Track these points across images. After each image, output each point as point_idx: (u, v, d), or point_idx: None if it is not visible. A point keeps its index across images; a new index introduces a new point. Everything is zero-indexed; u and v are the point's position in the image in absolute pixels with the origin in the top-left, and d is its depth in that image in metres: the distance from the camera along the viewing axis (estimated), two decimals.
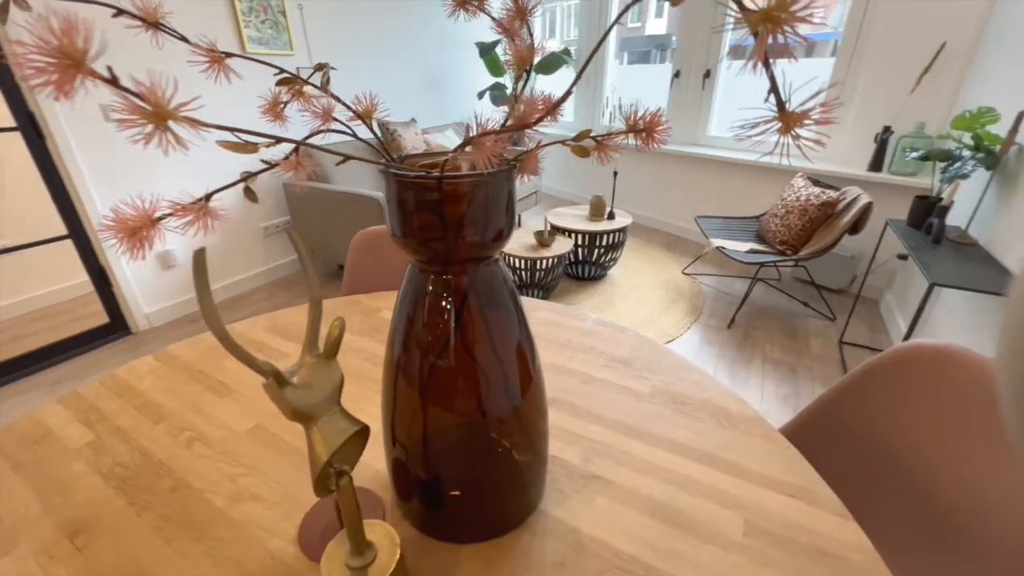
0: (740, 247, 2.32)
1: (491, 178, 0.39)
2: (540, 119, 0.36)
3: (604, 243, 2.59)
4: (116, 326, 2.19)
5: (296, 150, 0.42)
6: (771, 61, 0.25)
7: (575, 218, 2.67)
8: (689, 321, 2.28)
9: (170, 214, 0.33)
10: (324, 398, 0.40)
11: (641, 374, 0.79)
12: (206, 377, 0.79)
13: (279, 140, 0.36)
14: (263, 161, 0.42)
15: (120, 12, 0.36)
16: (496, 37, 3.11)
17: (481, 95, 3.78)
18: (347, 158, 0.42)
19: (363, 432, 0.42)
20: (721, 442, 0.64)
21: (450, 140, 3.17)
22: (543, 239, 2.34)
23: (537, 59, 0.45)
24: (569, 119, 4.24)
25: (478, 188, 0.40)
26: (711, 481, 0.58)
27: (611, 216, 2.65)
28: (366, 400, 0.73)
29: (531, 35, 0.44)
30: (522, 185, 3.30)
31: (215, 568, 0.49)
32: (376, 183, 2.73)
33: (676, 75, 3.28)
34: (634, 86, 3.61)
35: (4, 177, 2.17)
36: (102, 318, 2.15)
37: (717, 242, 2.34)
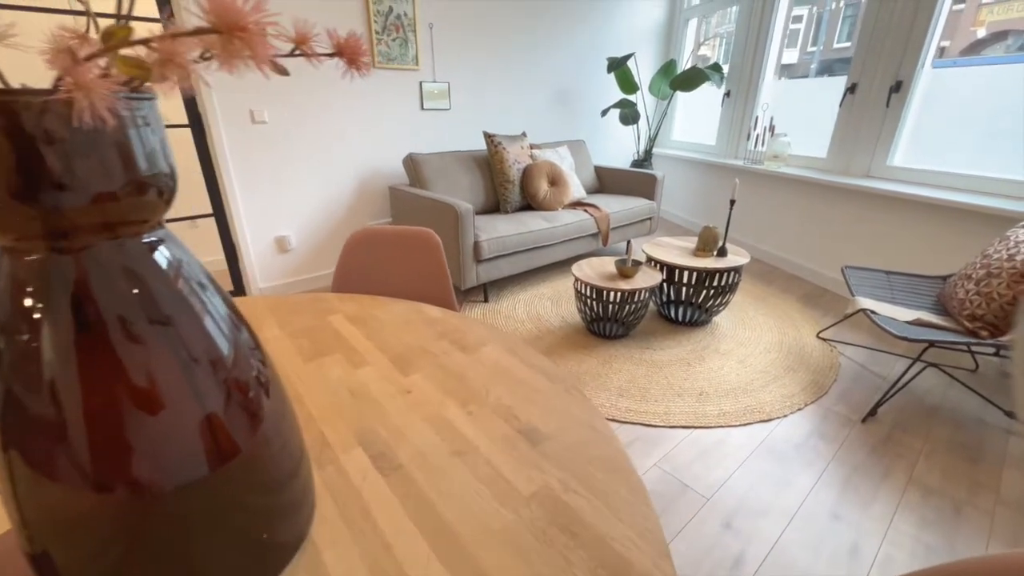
0: (900, 314, 1.67)
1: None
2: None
3: (705, 283, 2.14)
4: (236, 294, 2.58)
5: None
6: None
7: (679, 250, 2.28)
8: (804, 400, 1.72)
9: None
10: None
11: (543, 462, 0.53)
12: None
13: None
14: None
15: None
16: (628, 51, 2.90)
17: (604, 112, 3.57)
18: None
19: None
20: None
21: (560, 157, 3.04)
22: (624, 269, 2.03)
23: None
24: (711, 142, 3.74)
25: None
26: None
27: (722, 252, 2.19)
28: None
29: None
30: (634, 207, 2.99)
31: None
32: (472, 192, 2.74)
33: (850, 89, 2.62)
34: (794, 103, 3.02)
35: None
36: (228, 286, 2.56)
37: (865, 302, 1.73)
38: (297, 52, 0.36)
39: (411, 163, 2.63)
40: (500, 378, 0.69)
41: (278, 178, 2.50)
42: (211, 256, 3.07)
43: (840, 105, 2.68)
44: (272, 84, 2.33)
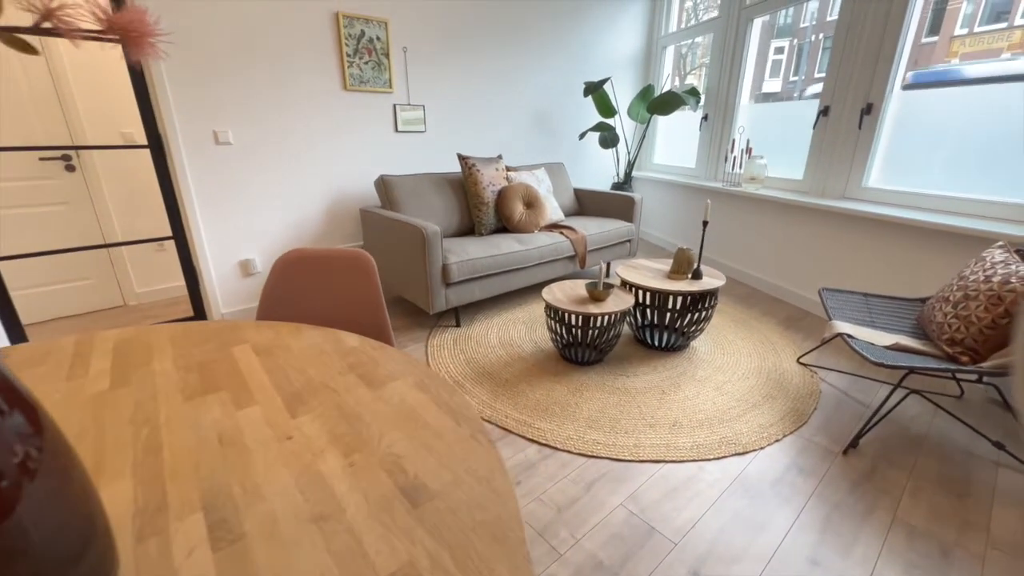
0: (878, 338, 1.60)
1: None
2: None
3: (679, 306, 2.07)
4: (196, 319, 2.47)
5: None
6: None
7: (653, 272, 2.21)
8: (783, 430, 1.62)
9: None
10: None
11: (417, 529, 0.43)
12: None
13: None
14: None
15: None
16: (604, 75, 2.91)
17: (582, 136, 3.57)
18: None
19: None
20: None
21: (537, 179, 3.00)
22: (595, 292, 1.96)
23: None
24: (691, 164, 3.74)
25: None
26: None
27: (697, 275, 2.12)
28: None
29: None
30: (612, 229, 2.94)
31: None
32: (446, 214, 2.68)
33: (823, 112, 2.62)
34: (769, 126, 3.03)
35: (134, 186, 2.70)
36: (188, 312, 2.45)
37: (843, 326, 1.66)
38: (47, 25, 0.28)
39: (383, 185, 2.58)
40: (401, 420, 0.60)
41: (243, 200, 2.44)
42: (177, 281, 2.98)
43: (814, 127, 2.68)
44: (238, 105, 2.29)
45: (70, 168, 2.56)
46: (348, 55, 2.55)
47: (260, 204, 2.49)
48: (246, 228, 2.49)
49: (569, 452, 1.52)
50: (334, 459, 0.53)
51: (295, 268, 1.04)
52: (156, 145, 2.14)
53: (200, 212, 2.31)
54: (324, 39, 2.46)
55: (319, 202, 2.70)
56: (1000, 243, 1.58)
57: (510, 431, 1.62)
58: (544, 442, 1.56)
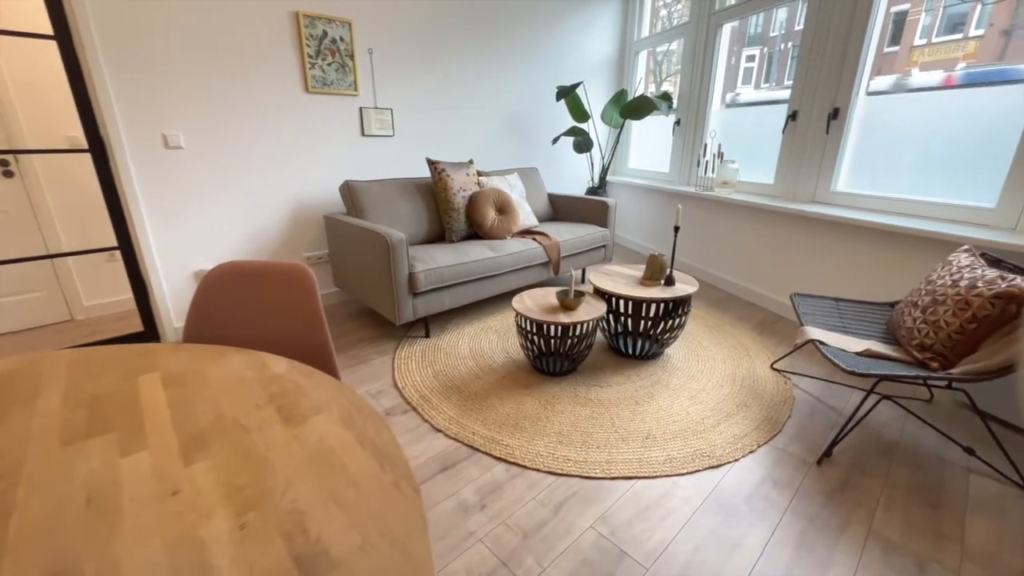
0: (850, 344, 1.58)
1: None
2: None
3: (652, 313, 2.02)
4: (150, 335, 2.32)
5: None
6: None
7: (626, 279, 2.17)
8: (757, 440, 1.58)
9: None
10: None
11: None
12: None
13: None
14: None
15: None
16: (577, 79, 2.86)
17: (555, 140, 3.53)
18: None
19: None
20: None
21: (509, 184, 2.94)
22: (566, 301, 1.90)
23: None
24: (664, 169, 3.74)
25: None
26: None
27: (670, 281, 2.08)
28: None
29: None
30: (587, 235, 2.89)
31: None
32: (415, 221, 2.59)
33: (792, 116, 2.63)
34: (741, 130, 3.04)
35: (83, 193, 2.53)
36: (137, 327, 2.30)
37: (814, 332, 1.63)
38: None
39: (348, 191, 2.48)
40: (315, 464, 0.52)
41: (199, 207, 2.30)
42: (126, 294, 2.80)
43: (783, 132, 2.69)
44: (190, 106, 2.16)
45: (8, 174, 2.39)
46: (310, 56, 2.44)
47: (218, 211, 2.36)
48: (202, 236, 2.35)
49: (538, 470, 1.45)
50: (223, 520, 0.44)
51: (226, 283, 0.94)
52: (97, 149, 2.00)
53: (149, 220, 2.17)
54: (283, 39, 2.36)
55: (282, 209, 2.58)
56: (966, 247, 1.58)
57: (477, 449, 1.54)
58: (513, 460, 1.48)
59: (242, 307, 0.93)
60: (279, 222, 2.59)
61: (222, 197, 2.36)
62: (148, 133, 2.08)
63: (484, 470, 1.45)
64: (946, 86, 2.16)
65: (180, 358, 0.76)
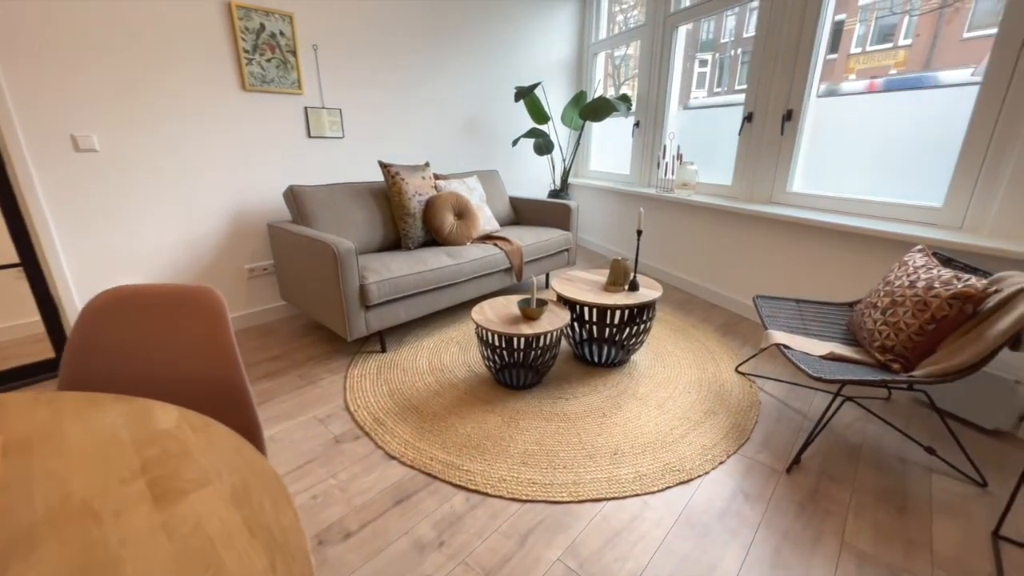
0: (813, 347, 1.56)
1: None
2: None
3: (616, 321, 1.96)
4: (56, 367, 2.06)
5: None
6: None
7: (590, 285, 2.10)
8: (727, 449, 1.54)
9: None
10: None
11: None
12: None
13: None
14: None
15: None
16: (535, 80, 2.76)
17: (515, 142, 3.45)
18: None
19: None
20: None
21: (468, 188, 2.83)
22: (528, 310, 1.80)
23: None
24: (625, 171, 3.73)
25: None
26: None
27: (634, 286, 2.03)
28: None
29: None
30: (550, 239, 2.82)
31: None
32: (368, 228, 2.43)
33: (748, 118, 2.65)
34: (700, 132, 3.04)
35: None
36: (48, 353, 2.03)
37: (778, 336, 1.61)
38: None
39: (292, 196, 2.29)
40: (181, 567, 0.39)
41: (120, 218, 2.06)
42: (33, 317, 2.49)
43: (739, 133, 2.71)
44: (105, 104, 1.93)
45: None
46: (246, 51, 2.25)
47: (142, 222, 2.13)
48: (127, 250, 2.11)
49: (502, 498, 1.34)
50: None
51: (116, 312, 0.78)
52: None
53: (58, 233, 1.92)
54: (215, 32, 2.15)
55: (220, 216, 2.36)
56: (919, 247, 1.60)
57: (436, 477, 1.42)
58: (474, 487, 1.37)
59: (134, 340, 0.77)
60: (217, 231, 2.37)
61: (148, 205, 2.13)
62: (53, 133, 1.84)
63: (442, 500, 1.33)
64: (870, 91, 2.25)
65: (36, 413, 0.60)
